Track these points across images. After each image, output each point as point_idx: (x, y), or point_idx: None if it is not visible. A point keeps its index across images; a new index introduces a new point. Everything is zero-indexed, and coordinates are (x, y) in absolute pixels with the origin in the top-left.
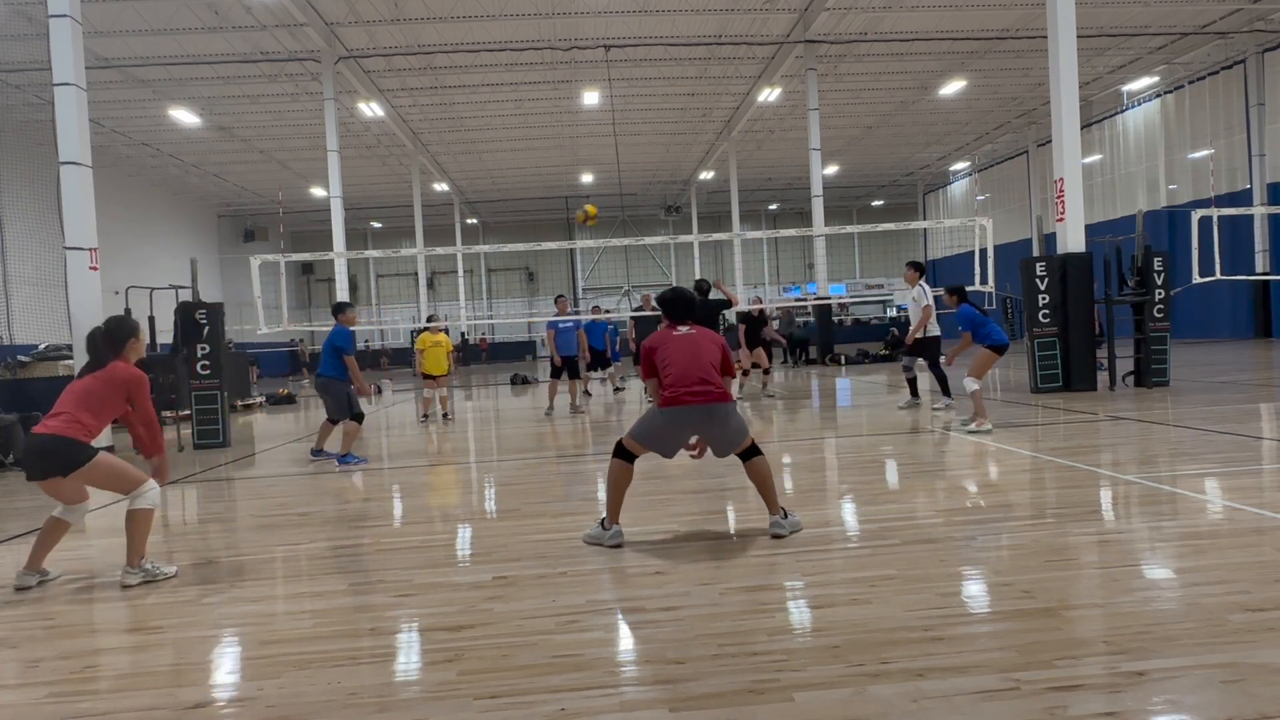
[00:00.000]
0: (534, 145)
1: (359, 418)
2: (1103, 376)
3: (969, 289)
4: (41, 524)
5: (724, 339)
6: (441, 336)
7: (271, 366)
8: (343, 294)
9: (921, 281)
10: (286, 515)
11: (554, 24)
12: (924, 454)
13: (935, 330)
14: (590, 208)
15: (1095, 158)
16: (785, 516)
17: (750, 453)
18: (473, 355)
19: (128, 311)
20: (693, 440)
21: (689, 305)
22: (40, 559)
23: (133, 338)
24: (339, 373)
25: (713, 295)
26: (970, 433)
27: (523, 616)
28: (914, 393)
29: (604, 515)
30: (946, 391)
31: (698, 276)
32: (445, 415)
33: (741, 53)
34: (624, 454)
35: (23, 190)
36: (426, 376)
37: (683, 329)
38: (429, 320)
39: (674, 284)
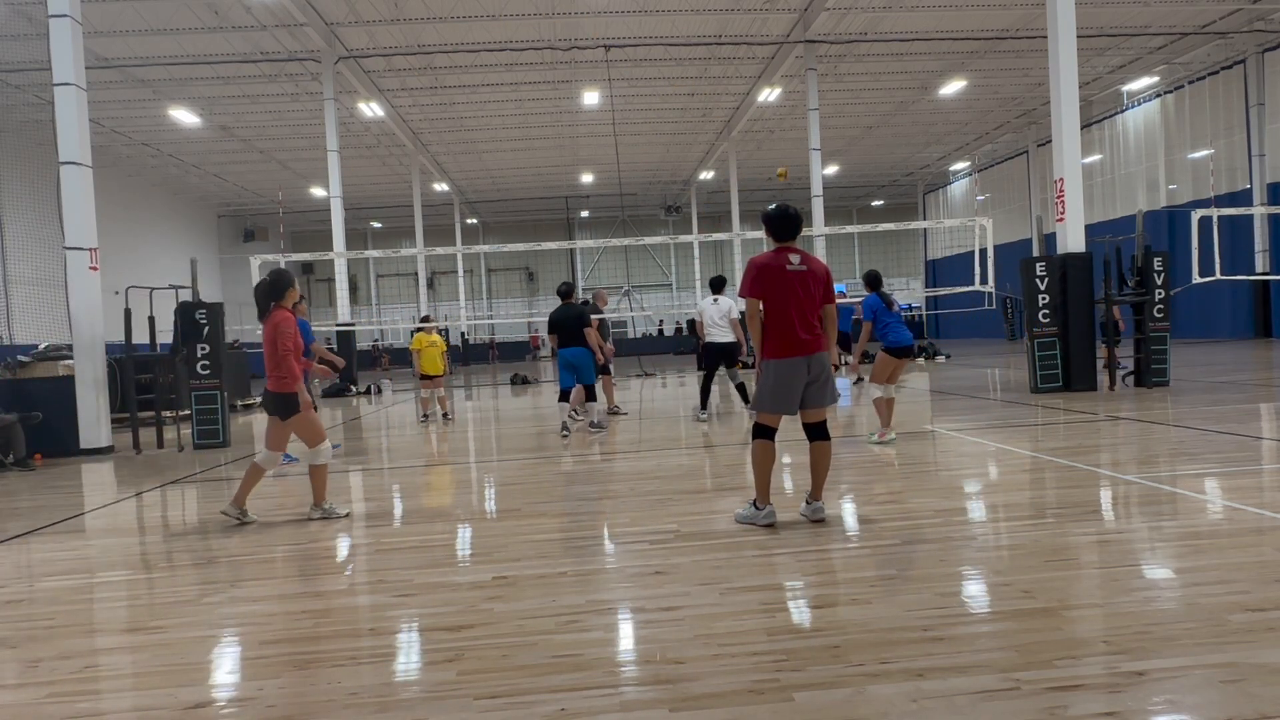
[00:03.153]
0: (534, 145)
1: None
2: (1115, 375)
3: (969, 288)
4: (243, 472)
5: (827, 270)
6: (436, 337)
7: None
8: (343, 293)
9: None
10: (286, 515)
11: (554, 24)
12: (924, 454)
13: (717, 339)
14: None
15: (1095, 158)
16: (823, 504)
17: (823, 434)
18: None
19: (127, 313)
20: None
21: (797, 224)
22: (245, 496)
23: (290, 287)
24: None
25: (584, 305)
26: (875, 443)
27: (523, 616)
28: (704, 405)
29: (754, 496)
30: (704, 404)
31: (594, 283)
32: (445, 415)
33: (741, 53)
34: (763, 432)
35: (23, 190)
36: (424, 377)
37: (794, 260)
38: (423, 321)
39: (673, 284)
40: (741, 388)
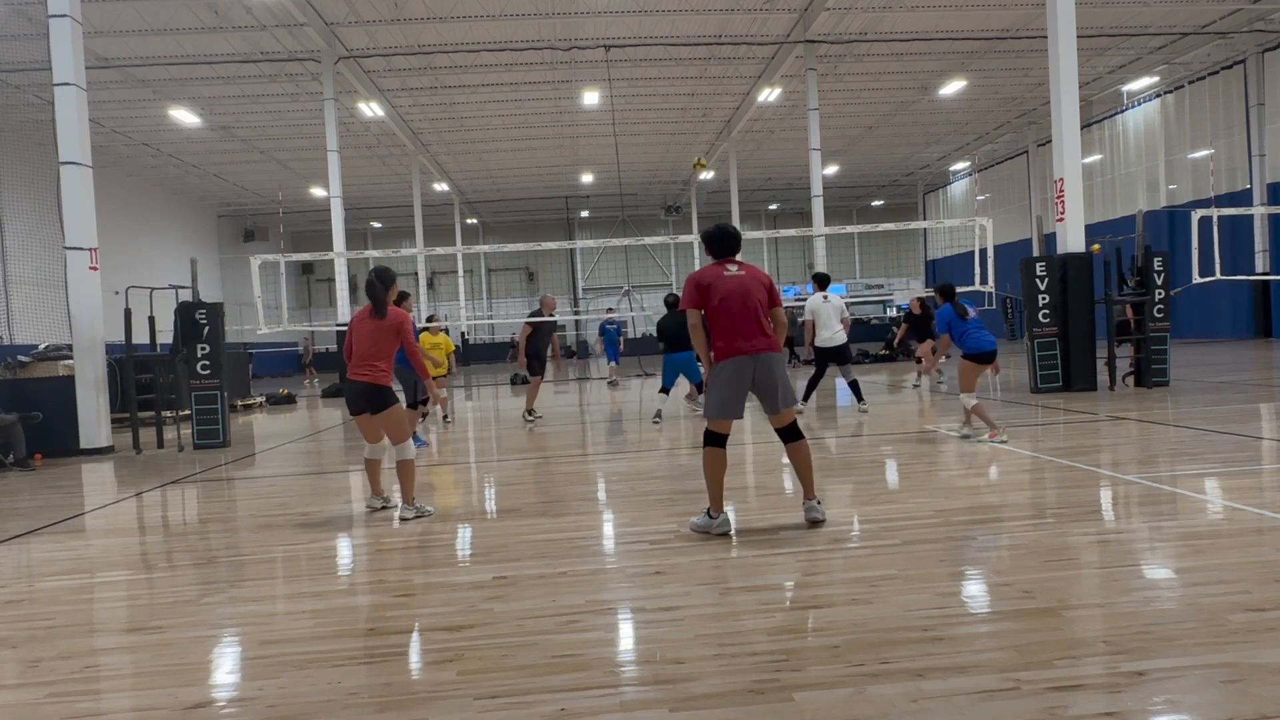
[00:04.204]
0: (534, 145)
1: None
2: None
3: (969, 288)
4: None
5: (769, 277)
6: (441, 337)
7: (273, 366)
8: (343, 293)
9: (812, 297)
10: (286, 515)
11: (554, 24)
12: (924, 454)
13: (826, 341)
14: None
15: (1095, 158)
16: (819, 502)
17: (794, 435)
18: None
19: (127, 313)
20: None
21: (734, 240)
22: (378, 486)
23: (394, 282)
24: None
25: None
26: (984, 443)
27: (523, 616)
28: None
29: (709, 505)
30: (806, 397)
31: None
32: (445, 418)
33: (741, 53)
34: (714, 439)
35: (23, 190)
36: None
37: (732, 269)
38: (429, 320)
39: (673, 284)
40: (855, 384)
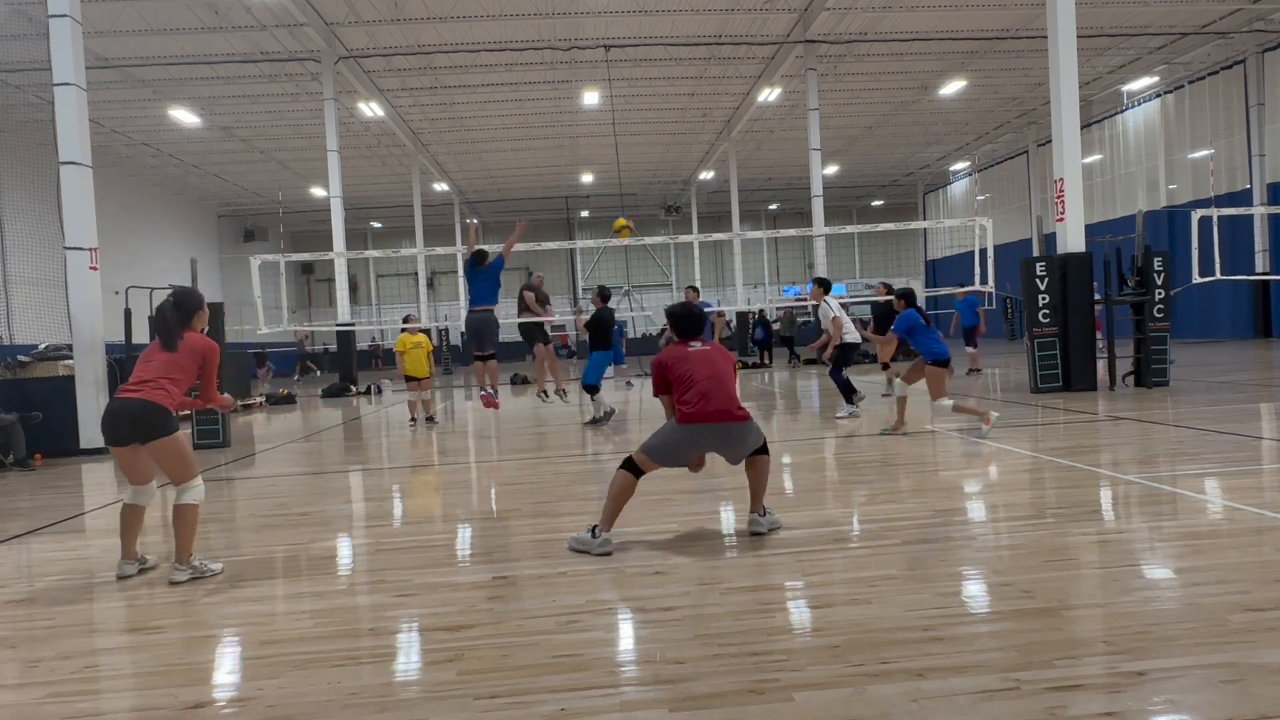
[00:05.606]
0: (534, 145)
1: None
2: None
3: (969, 289)
4: (120, 516)
5: (731, 355)
6: (421, 337)
7: (277, 365)
8: (343, 293)
9: (826, 298)
10: (286, 515)
11: (554, 24)
12: (924, 454)
13: (853, 338)
14: (623, 223)
15: (1095, 158)
16: (764, 514)
17: (760, 450)
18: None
19: (127, 313)
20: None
21: (699, 321)
22: (132, 547)
23: (199, 309)
24: None
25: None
26: (988, 437)
27: (523, 616)
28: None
29: (596, 523)
30: (850, 399)
31: (600, 284)
32: (430, 418)
33: (741, 53)
34: (632, 468)
35: (23, 190)
36: (408, 379)
37: (696, 345)
38: (405, 321)
39: (673, 284)
40: (848, 383)
